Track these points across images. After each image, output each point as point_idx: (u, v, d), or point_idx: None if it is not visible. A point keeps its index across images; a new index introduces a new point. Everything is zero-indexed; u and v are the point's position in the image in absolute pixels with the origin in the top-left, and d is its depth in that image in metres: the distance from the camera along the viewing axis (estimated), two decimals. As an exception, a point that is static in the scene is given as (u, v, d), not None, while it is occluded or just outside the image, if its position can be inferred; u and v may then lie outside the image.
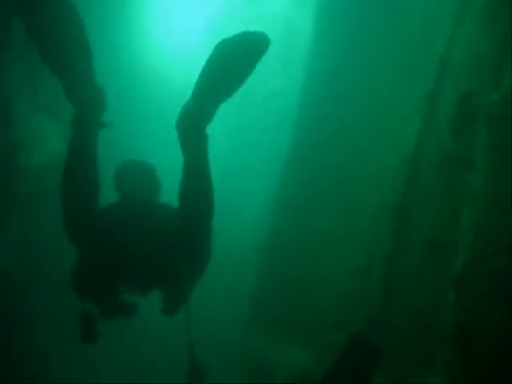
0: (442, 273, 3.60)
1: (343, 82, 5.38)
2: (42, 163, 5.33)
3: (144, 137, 6.23)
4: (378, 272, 4.28)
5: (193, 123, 2.70)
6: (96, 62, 2.63)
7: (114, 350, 5.63)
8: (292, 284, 5.29)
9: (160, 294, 3.10)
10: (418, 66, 4.47)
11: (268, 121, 6.42)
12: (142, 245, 2.76)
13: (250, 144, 6.60)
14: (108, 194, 2.97)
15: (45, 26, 2.36)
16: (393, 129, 4.54)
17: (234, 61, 2.66)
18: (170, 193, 3.07)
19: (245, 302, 5.67)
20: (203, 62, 2.76)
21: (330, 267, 4.91)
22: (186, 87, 2.90)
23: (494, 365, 2.86)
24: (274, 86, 6.70)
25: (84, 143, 2.62)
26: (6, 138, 4.85)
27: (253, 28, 2.73)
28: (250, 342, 5.31)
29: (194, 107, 2.70)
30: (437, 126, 4.04)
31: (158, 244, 2.80)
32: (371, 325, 3.93)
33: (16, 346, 4.88)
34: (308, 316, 4.92)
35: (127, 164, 3.07)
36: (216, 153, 2.96)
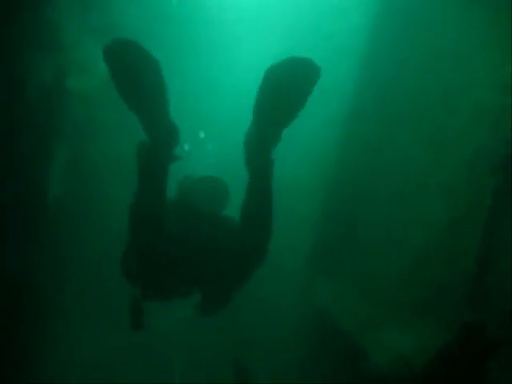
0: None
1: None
2: (90, 88, 4.84)
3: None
4: (472, 230, 3.92)
5: (257, 149, 2.69)
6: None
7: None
8: (357, 227, 5.00)
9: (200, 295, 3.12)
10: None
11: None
12: (200, 248, 2.86)
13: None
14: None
15: (126, 73, 2.47)
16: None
17: (287, 91, 2.62)
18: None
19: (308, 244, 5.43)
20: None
21: (407, 218, 4.59)
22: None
23: None
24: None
25: (156, 176, 2.68)
26: (55, 62, 4.33)
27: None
28: (313, 288, 5.14)
29: (257, 134, 2.68)
30: None
31: (214, 250, 2.89)
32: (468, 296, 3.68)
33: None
34: (377, 269, 4.69)
35: (202, 180, 3.09)
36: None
